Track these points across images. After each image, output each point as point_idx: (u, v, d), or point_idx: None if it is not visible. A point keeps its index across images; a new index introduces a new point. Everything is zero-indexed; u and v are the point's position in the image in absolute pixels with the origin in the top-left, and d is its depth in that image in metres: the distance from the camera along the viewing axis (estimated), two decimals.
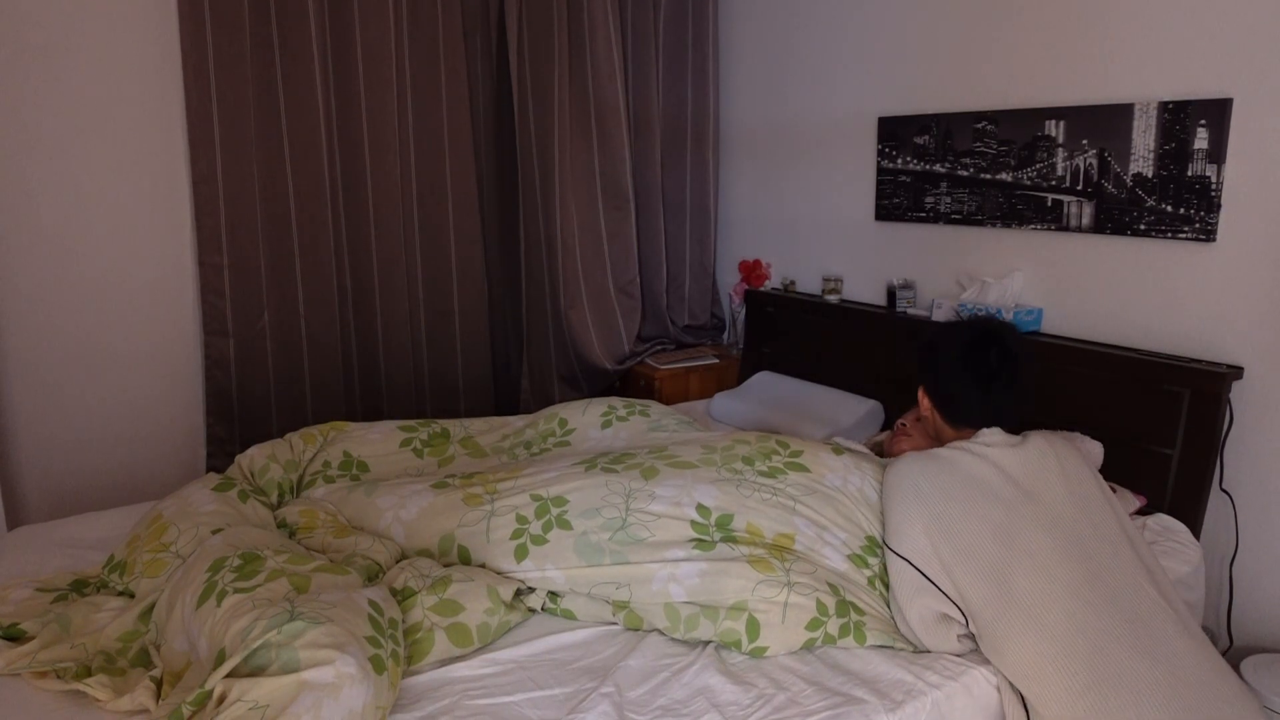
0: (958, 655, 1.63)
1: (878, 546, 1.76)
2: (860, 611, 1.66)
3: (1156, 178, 2.20)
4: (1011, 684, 1.56)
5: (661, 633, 1.67)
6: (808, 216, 3.29)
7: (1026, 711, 1.54)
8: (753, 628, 1.58)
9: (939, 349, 1.85)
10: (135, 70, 2.72)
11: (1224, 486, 2.12)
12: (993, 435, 1.74)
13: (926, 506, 1.66)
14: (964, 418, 1.81)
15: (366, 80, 3.01)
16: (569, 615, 1.72)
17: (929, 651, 1.64)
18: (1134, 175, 2.25)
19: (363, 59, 2.99)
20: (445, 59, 3.17)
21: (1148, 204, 2.23)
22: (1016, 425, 1.81)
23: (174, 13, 2.67)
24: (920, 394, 1.91)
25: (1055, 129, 2.40)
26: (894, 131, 2.86)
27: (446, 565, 1.75)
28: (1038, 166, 2.46)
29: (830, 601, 1.63)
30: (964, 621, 1.60)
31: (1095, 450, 2.08)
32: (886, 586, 1.72)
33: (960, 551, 1.60)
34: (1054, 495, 1.66)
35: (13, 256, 2.62)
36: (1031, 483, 1.66)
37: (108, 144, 2.71)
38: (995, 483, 1.66)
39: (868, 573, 1.72)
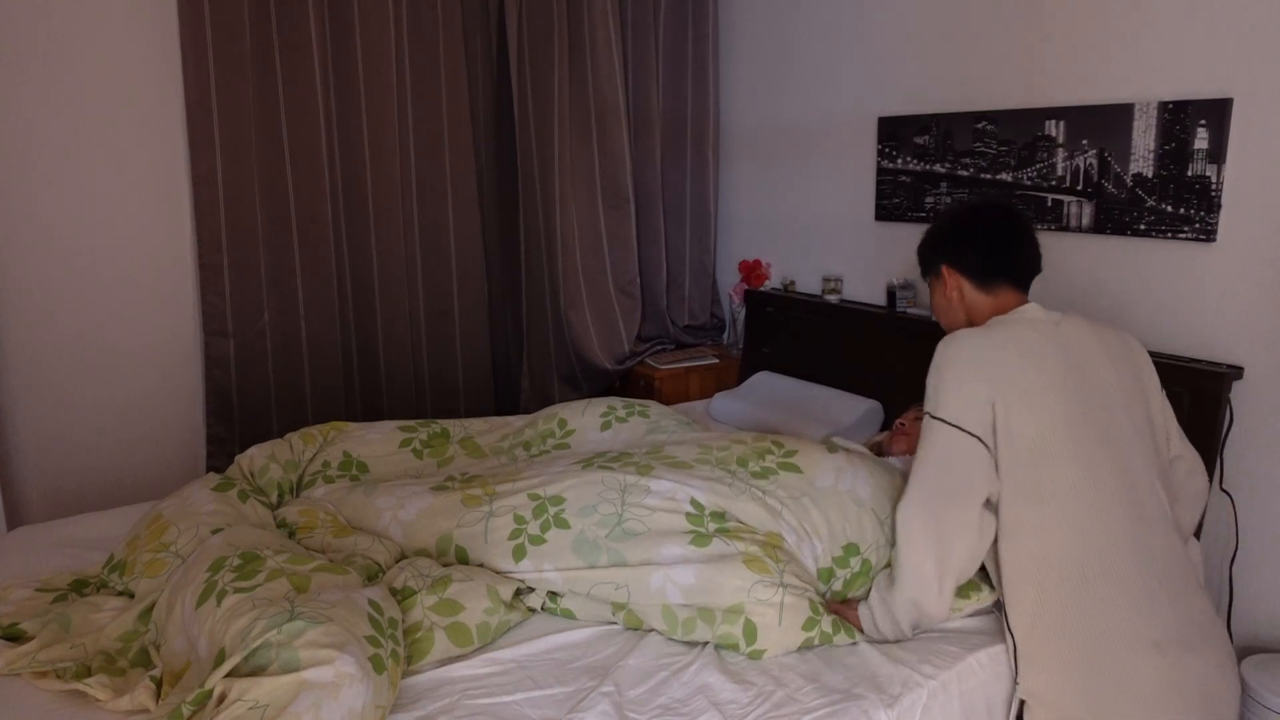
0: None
1: (853, 555, 1.75)
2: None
3: (1156, 178, 2.20)
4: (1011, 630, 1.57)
5: (660, 633, 1.68)
6: (807, 216, 3.29)
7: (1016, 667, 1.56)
8: (750, 631, 1.58)
9: (950, 221, 1.81)
10: (135, 70, 2.72)
11: (1224, 487, 2.12)
12: (1033, 310, 1.69)
13: (986, 373, 1.58)
14: (997, 273, 1.72)
15: (366, 80, 3.01)
16: (569, 615, 1.72)
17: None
18: (1134, 175, 2.25)
19: (363, 59, 2.99)
20: (445, 59, 3.17)
21: (1148, 204, 2.23)
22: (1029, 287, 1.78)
23: (174, 13, 2.67)
24: (945, 273, 1.78)
25: (1055, 129, 2.40)
26: (894, 131, 2.86)
27: (445, 565, 1.75)
28: (1038, 166, 2.46)
29: (820, 601, 1.66)
30: (995, 493, 1.57)
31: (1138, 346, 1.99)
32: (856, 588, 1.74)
33: (1021, 440, 1.55)
34: (1098, 373, 1.62)
35: (14, 257, 2.62)
36: (1078, 356, 1.62)
37: (108, 145, 2.71)
38: (1050, 353, 1.60)
39: (835, 585, 1.74)
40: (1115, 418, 1.59)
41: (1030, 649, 1.53)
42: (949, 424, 1.56)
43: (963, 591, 1.69)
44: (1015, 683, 1.57)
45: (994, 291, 1.72)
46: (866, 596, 1.70)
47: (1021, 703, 1.57)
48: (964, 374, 1.58)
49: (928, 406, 1.61)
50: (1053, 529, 1.51)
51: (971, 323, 1.76)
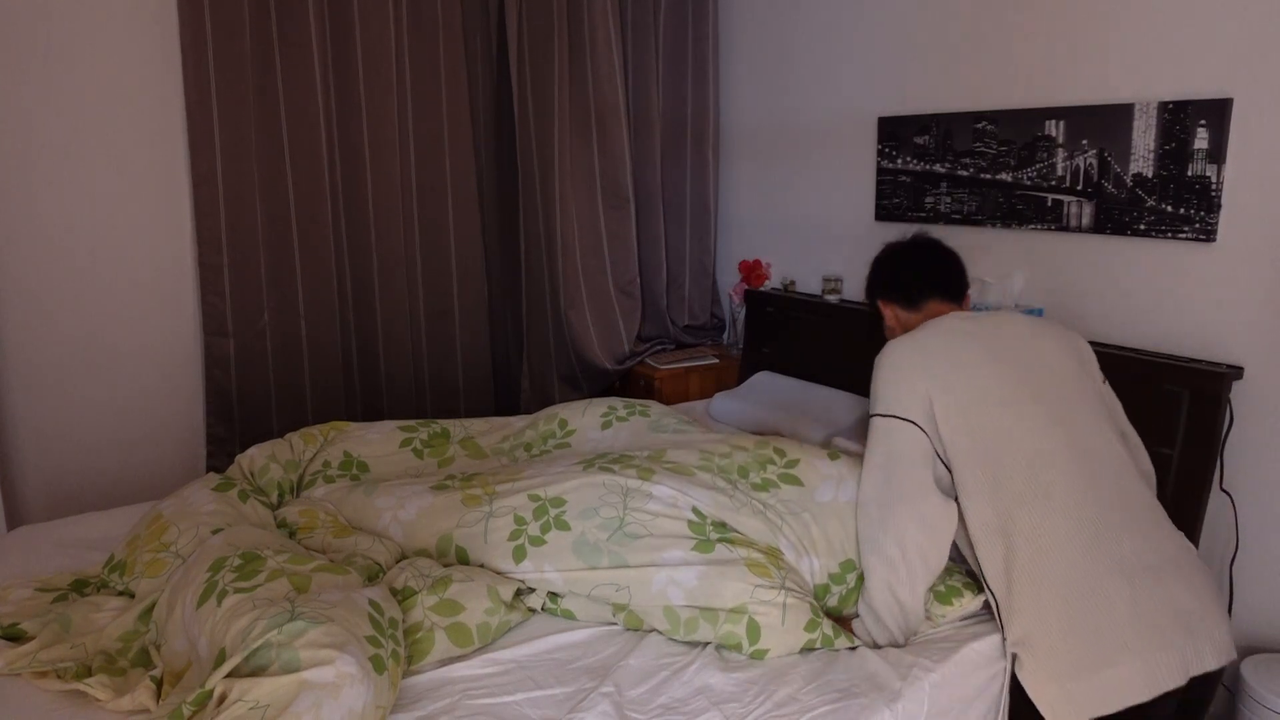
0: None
1: (849, 571, 1.76)
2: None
3: (1156, 178, 2.20)
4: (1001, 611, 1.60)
5: (661, 633, 1.68)
6: (808, 216, 3.29)
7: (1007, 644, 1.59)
8: (753, 630, 1.58)
9: (874, 264, 2.03)
10: (135, 70, 2.72)
11: (1224, 487, 2.12)
12: (963, 314, 1.84)
13: (917, 366, 1.70)
14: (919, 292, 1.90)
15: (366, 80, 3.01)
16: (569, 615, 1.72)
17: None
18: (1134, 175, 2.25)
19: (363, 59, 2.99)
20: (445, 59, 3.17)
21: (1148, 204, 2.23)
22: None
23: (174, 13, 2.67)
24: (880, 306, 1.99)
25: (1055, 129, 2.40)
26: (894, 131, 2.86)
27: (446, 566, 1.75)
28: (1038, 166, 2.46)
29: (820, 607, 1.67)
30: (947, 469, 1.65)
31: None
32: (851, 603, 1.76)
33: (952, 407, 1.65)
34: (1029, 349, 1.74)
35: (14, 257, 2.62)
36: (1008, 336, 1.75)
37: (108, 145, 2.71)
38: (977, 334, 1.74)
39: (831, 600, 1.75)
40: (1051, 380, 1.70)
41: (1009, 601, 1.58)
42: (886, 416, 1.69)
43: (944, 598, 1.71)
44: (1003, 639, 1.60)
45: (922, 308, 1.90)
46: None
47: (1014, 658, 1.59)
48: (898, 372, 1.71)
49: (869, 410, 1.75)
50: (1005, 481, 1.60)
51: None
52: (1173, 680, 1.50)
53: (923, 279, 1.91)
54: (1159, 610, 1.52)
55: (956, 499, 1.65)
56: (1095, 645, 1.50)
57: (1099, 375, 1.83)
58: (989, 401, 1.64)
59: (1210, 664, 1.53)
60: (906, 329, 1.90)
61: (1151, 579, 1.54)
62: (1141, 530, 1.59)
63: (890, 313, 1.97)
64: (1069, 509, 1.57)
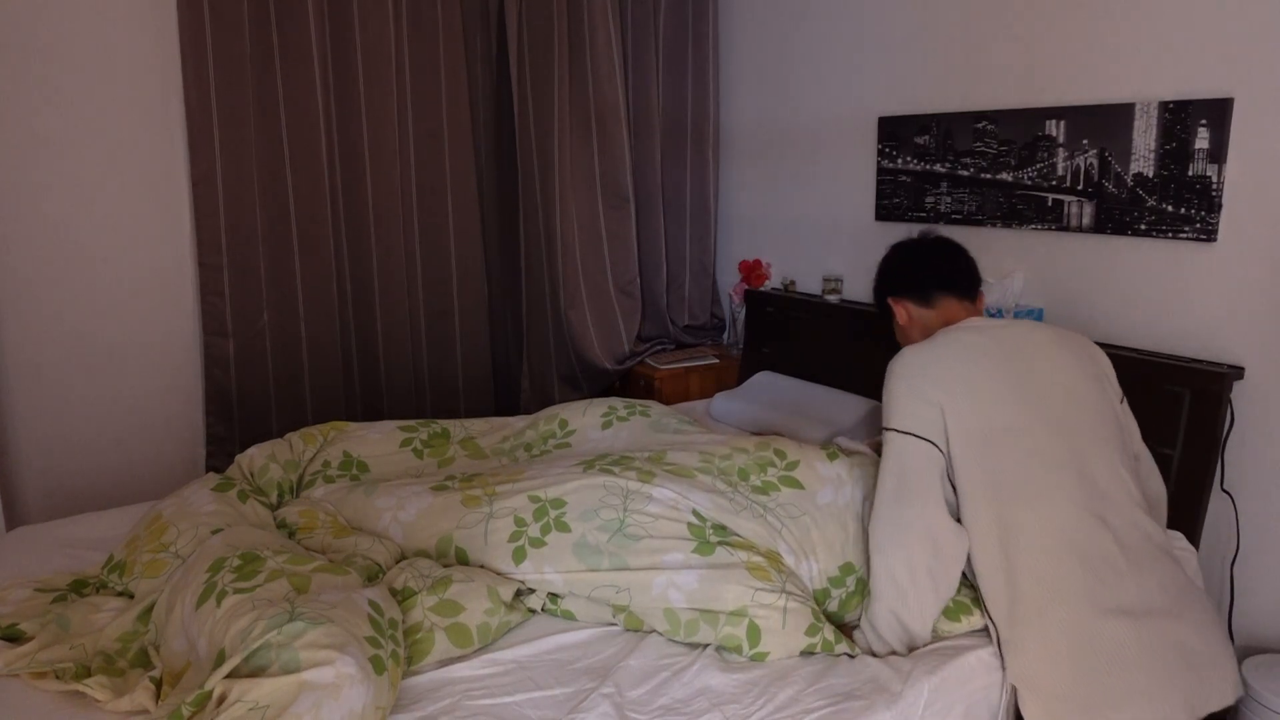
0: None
1: (849, 574, 1.75)
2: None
3: (1157, 177, 2.20)
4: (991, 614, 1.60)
5: (661, 634, 1.67)
6: (808, 216, 3.29)
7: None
8: (754, 633, 1.58)
9: (884, 260, 1.98)
10: (135, 71, 2.72)
11: (1225, 487, 2.12)
12: (977, 320, 1.79)
13: (931, 379, 1.65)
14: (933, 286, 1.86)
15: (366, 80, 3.00)
16: (569, 616, 1.72)
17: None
18: (1134, 175, 2.25)
19: (362, 59, 2.99)
20: (445, 59, 3.17)
21: (1148, 204, 2.23)
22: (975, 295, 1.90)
23: (174, 14, 2.67)
24: (891, 304, 1.93)
25: (1055, 129, 2.40)
26: (894, 131, 2.86)
27: (446, 566, 1.75)
28: (1038, 166, 2.46)
29: (820, 612, 1.66)
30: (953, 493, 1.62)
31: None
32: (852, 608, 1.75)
33: (964, 433, 1.61)
34: (1046, 366, 1.69)
35: (13, 257, 2.62)
36: (1025, 352, 1.70)
37: (108, 145, 2.71)
38: (994, 351, 1.69)
39: (830, 605, 1.74)
40: (1067, 406, 1.65)
41: (1011, 635, 1.56)
42: (901, 432, 1.64)
43: (952, 614, 1.69)
44: (1003, 670, 1.59)
45: (936, 304, 1.86)
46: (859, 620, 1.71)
47: (1014, 690, 1.58)
48: (911, 384, 1.66)
49: (883, 422, 1.70)
50: (1010, 514, 1.57)
51: (926, 338, 1.85)
52: None
53: (937, 274, 1.87)
54: (1166, 651, 1.50)
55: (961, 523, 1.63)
56: (1102, 687, 1.47)
57: (1118, 395, 1.78)
58: (1001, 430, 1.60)
59: (1216, 704, 1.51)
60: (921, 325, 1.88)
61: (1158, 620, 1.52)
62: (1148, 571, 1.56)
63: (902, 310, 1.92)
64: (1075, 550, 1.54)
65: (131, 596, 1.71)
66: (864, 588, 1.75)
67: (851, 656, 1.63)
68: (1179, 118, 2.14)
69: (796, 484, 1.84)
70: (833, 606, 1.75)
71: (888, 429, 1.67)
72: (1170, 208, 2.18)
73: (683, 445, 2.03)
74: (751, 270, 3.46)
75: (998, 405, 1.62)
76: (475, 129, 3.33)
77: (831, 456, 1.91)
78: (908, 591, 1.58)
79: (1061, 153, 2.39)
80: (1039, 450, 1.60)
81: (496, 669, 1.54)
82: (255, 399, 2.93)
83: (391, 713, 1.40)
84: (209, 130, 2.73)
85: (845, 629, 1.71)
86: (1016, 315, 2.44)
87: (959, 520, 1.62)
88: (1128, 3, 2.23)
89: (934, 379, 1.64)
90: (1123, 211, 2.28)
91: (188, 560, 1.66)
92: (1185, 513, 2.07)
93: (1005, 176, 2.54)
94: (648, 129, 3.50)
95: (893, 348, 2.75)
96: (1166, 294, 2.24)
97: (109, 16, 2.65)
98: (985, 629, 1.69)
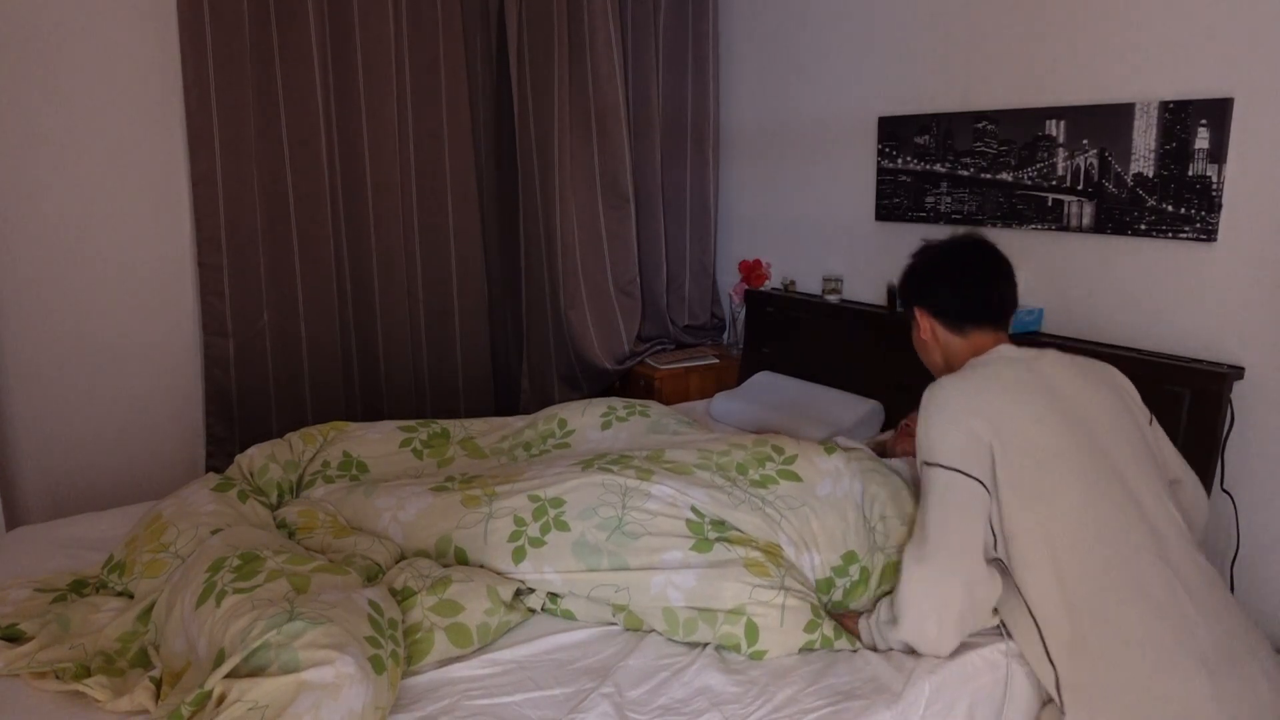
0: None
1: (852, 563, 1.75)
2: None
3: (1157, 177, 2.20)
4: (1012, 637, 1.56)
5: (661, 633, 1.67)
6: (808, 216, 3.29)
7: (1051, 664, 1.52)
8: (751, 632, 1.58)
9: (921, 263, 1.81)
10: (135, 70, 2.72)
11: (1225, 487, 2.12)
12: (1008, 350, 1.70)
13: (977, 414, 1.57)
14: (970, 317, 1.73)
15: (366, 80, 3.01)
16: (569, 616, 1.72)
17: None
18: (1135, 175, 2.24)
19: (362, 59, 2.99)
20: (445, 59, 3.17)
21: (1148, 204, 2.22)
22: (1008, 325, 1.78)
23: (174, 13, 2.67)
24: (918, 316, 1.80)
25: (1055, 129, 2.40)
26: (894, 131, 2.86)
27: (445, 566, 1.75)
28: (1038, 166, 2.46)
29: (820, 607, 1.65)
30: (995, 534, 1.55)
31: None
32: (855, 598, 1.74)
33: (1016, 472, 1.54)
34: (1082, 401, 1.62)
35: (13, 257, 2.62)
36: (1060, 388, 1.62)
37: (108, 144, 2.71)
38: (1033, 386, 1.60)
39: (835, 594, 1.74)
40: (1108, 441, 1.58)
41: (1073, 679, 1.48)
42: (948, 468, 1.55)
43: None
44: (1061, 711, 1.52)
45: (967, 334, 1.74)
46: (867, 608, 1.70)
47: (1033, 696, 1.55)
48: (955, 418, 1.57)
49: (923, 456, 1.60)
50: (1068, 557, 1.49)
51: (949, 364, 1.77)
52: None
53: (980, 302, 1.73)
54: (1239, 704, 1.40)
55: (1004, 566, 1.56)
56: None
57: (1145, 415, 1.70)
58: (1051, 468, 1.52)
59: None
60: (945, 351, 1.78)
61: (1232, 670, 1.42)
62: (1215, 615, 1.47)
63: (928, 325, 1.79)
64: (1142, 595, 1.45)
65: (131, 596, 1.71)
66: (868, 577, 1.75)
67: (853, 650, 1.63)
68: (1179, 118, 2.14)
69: (795, 477, 1.84)
70: (837, 596, 1.75)
71: (931, 464, 1.57)
72: (1170, 208, 2.18)
73: (681, 444, 2.03)
74: (751, 270, 3.46)
75: (1045, 445, 1.54)
76: (475, 129, 3.33)
77: (829, 450, 1.91)
78: (933, 639, 1.55)
79: (1061, 153, 2.39)
80: (1091, 489, 1.52)
81: (496, 669, 1.54)
82: (255, 399, 2.93)
83: (391, 713, 1.40)
84: (209, 130, 2.73)
85: (850, 618, 1.70)
86: (1016, 315, 2.43)
87: (992, 560, 1.56)
88: (1128, 3, 2.23)
89: (981, 416, 1.55)
90: (1123, 211, 2.28)
91: (187, 560, 1.66)
92: None
93: (1005, 176, 2.54)
94: (648, 129, 3.51)
95: (893, 348, 2.77)
96: (1166, 294, 2.23)
97: (109, 16, 2.65)
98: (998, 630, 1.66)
